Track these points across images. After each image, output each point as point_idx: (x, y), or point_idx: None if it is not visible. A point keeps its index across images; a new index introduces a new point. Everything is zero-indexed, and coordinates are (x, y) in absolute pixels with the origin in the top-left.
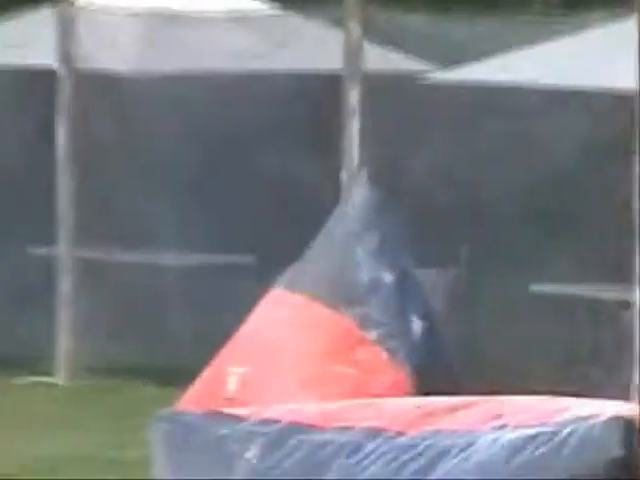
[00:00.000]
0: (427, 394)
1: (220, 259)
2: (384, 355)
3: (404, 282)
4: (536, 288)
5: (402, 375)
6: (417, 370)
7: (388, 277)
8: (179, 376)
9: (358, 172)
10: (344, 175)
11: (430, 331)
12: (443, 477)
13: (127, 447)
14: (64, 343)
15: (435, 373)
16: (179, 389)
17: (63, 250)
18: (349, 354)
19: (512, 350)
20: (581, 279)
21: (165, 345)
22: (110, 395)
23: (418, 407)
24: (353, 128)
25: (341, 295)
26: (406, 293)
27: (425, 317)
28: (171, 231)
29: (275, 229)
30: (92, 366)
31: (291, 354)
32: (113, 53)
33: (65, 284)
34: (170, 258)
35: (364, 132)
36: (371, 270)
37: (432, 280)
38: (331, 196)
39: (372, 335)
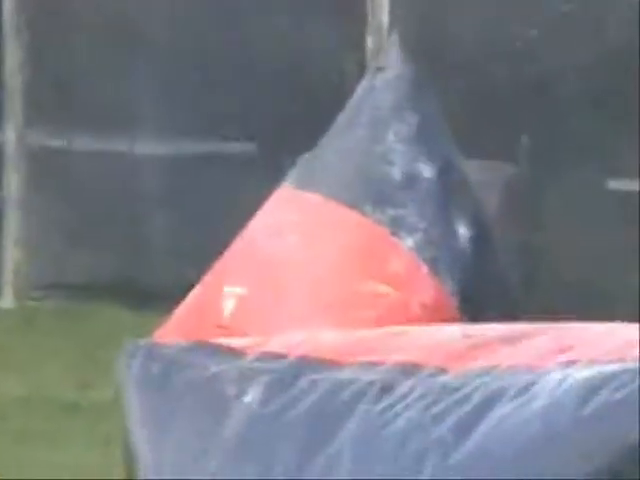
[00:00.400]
0: (476, 319)
1: (212, 147)
2: (423, 268)
3: (447, 177)
4: (614, 185)
5: (445, 293)
6: (464, 287)
7: (427, 170)
8: (159, 297)
9: (388, 37)
10: (369, 42)
11: (480, 239)
12: (496, 426)
13: (92, 387)
14: (11, 255)
15: (487, 292)
16: (159, 314)
17: (9, 136)
18: (378, 267)
19: (584, 264)
20: None
21: (141, 257)
22: (71, 321)
23: (465, 336)
24: None
25: (368, 193)
26: (450, 191)
27: (474, 222)
28: (148, 112)
29: (282, 110)
30: (47, 284)
31: (303, 269)
32: None
33: (12, 179)
34: (147, 146)
35: None
36: (406, 161)
37: (483, 176)
38: (353, 69)
39: (407, 243)
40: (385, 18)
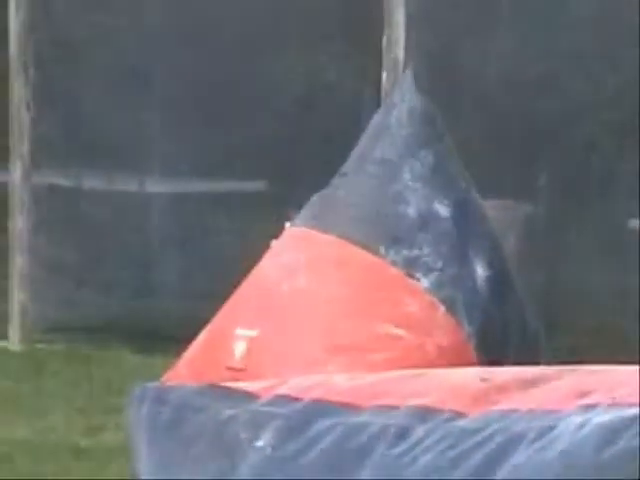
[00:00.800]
0: (495, 363)
1: (222, 186)
2: (439, 309)
3: (464, 216)
4: (635, 224)
5: (462, 335)
6: (482, 329)
7: (443, 209)
8: (169, 340)
9: (404, 72)
10: (385, 77)
11: (499, 279)
12: (515, 471)
13: (100, 432)
14: (18, 296)
15: (505, 334)
16: (168, 357)
17: (16, 176)
18: (394, 309)
19: (605, 305)
20: None
21: (151, 299)
22: (78, 364)
23: (483, 380)
24: (397, 15)
25: (383, 233)
26: (467, 230)
27: (492, 261)
28: (157, 150)
29: (295, 147)
30: (55, 326)
31: (316, 310)
32: None
33: (18, 220)
34: (157, 185)
35: (412, 20)
36: (421, 200)
37: (502, 215)
38: (368, 104)
39: (423, 283)
40: (401, 53)
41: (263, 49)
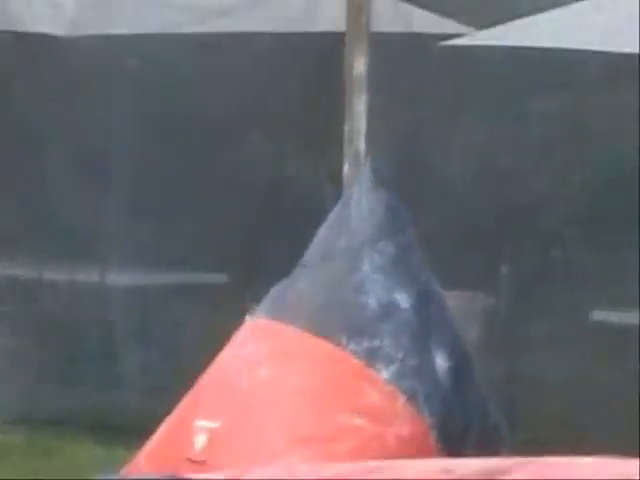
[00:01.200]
0: (455, 454)
1: (182, 278)
2: (400, 400)
3: (425, 307)
4: (599, 316)
5: (423, 425)
6: (443, 419)
7: (404, 300)
8: (130, 432)
9: (364, 164)
10: (347, 169)
11: (460, 370)
12: None
13: None
14: None
15: (466, 425)
16: (130, 449)
17: None
18: (355, 399)
19: (567, 396)
20: None
21: (111, 391)
22: (39, 457)
23: (444, 471)
24: (358, 106)
25: (344, 323)
26: (428, 321)
27: (453, 352)
28: (118, 242)
29: (255, 239)
30: (15, 419)
31: (277, 402)
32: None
33: None
34: (119, 276)
35: (373, 112)
36: (382, 291)
37: (462, 306)
38: (330, 198)
39: (384, 374)
40: (362, 145)
41: (225, 142)
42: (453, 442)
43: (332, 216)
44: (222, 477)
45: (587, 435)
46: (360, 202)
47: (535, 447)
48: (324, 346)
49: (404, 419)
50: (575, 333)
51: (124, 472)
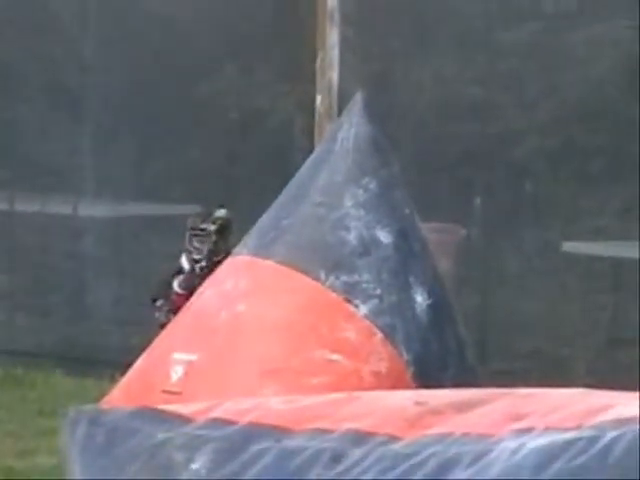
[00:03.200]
0: (430, 387)
1: (155, 210)
2: (377, 336)
3: (406, 244)
4: (570, 247)
5: (400, 362)
6: (420, 356)
7: (385, 236)
8: (102, 364)
9: (354, 96)
10: (319, 102)
11: (438, 309)
12: None
13: (32, 455)
14: None
15: (443, 361)
16: (101, 380)
17: None
18: (331, 334)
19: (539, 328)
20: (626, 235)
21: (85, 322)
22: (11, 388)
23: (418, 403)
24: (331, 38)
25: (323, 258)
26: (409, 258)
27: (432, 289)
28: (90, 173)
29: (229, 170)
30: None
31: (254, 336)
32: None
33: None
34: (90, 208)
35: (346, 43)
36: (362, 227)
37: (435, 238)
38: (302, 130)
39: (362, 310)
40: (335, 76)
41: (197, 73)
42: (430, 380)
43: (317, 150)
44: (193, 409)
45: (559, 367)
46: (345, 136)
47: (508, 379)
48: (302, 280)
49: (381, 355)
50: (546, 265)
51: (101, 404)
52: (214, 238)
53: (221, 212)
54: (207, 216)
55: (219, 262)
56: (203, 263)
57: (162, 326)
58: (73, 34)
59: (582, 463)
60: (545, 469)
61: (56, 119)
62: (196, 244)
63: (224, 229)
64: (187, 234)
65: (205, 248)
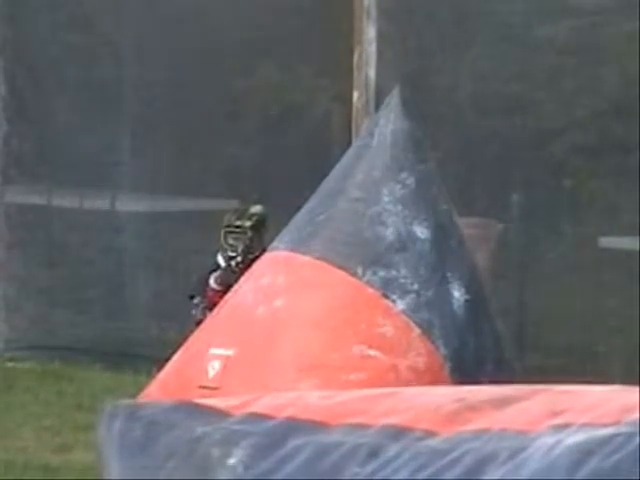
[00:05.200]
0: (467, 382)
1: (194, 205)
2: (415, 331)
3: (444, 239)
4: (607, 242)
5: (438, 357)
6: (458, 352)
7: (423, 231)
8: (139, 359)
9: (391, 92)
10: (356, 97)
11: (476, 303)
12: None
13: (70, 451)
14: None
15: (481, 356)
16: (139, 375)
17: None
18: (369, 329)
19: (577, 325)
20: None
21: (122, 318)
22: (50, 382)
23: (455, 400)
24: (368, 33)
25: (360, 254)
26: (445, 254)
27: (470, 285)
28: (129, 169)
29: (267, 169)
30: (26, 345)
31: (291, 331)
32: None
33: None
34: (128, 203)
35: (383, 39)
36: (400, 222)
37: (473, 233)
38: (339, 126)
39: (399, 305)
40: (372, 72)
41: (235, 70)
42: (467, 375)
43: (354, 145)
44: (230, 404)
45: (596, 363)
46: (383, 132)
47: (544, 375)
48: (340, 276)
49: (418, 351)
50: (583, 260)
51: (138, 399)
52: (249, 234)
53: (257, 208)
54: (242, 213)
55: (255, 258)
56: (239, 259)
57: (198, 323)
58: (111, 30)
59: (619, 459)
60: (581, 466)
61: (94, 115)
62: (231, 241)
63: (259, 225)
64: (222, 231)
65: (240, 245)
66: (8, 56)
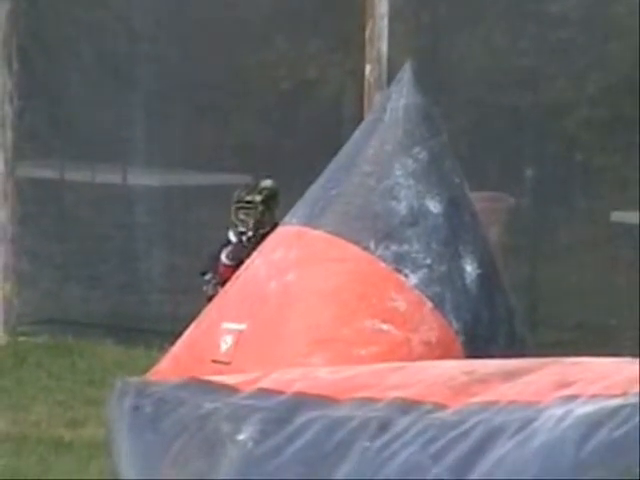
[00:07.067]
0: (480, 357)
1: (206, 179)
2: (427, 305)
3: (456, 213)
4: (618, 217)
5: (450, 332)
6: (470, 326)
7: (435, 206)
8: (151, 333)
9: (404, 65)
10: (368, 72)
11: (488, 278)
12: (496, 465)
13: (82, 425)
14: (3, 289)
15: (493, 330)
16: (150, 350)
17: None
18: (381, 304)
19: (587, 299)
20: None
21: (134, 292)
22: (61, 357)
23: (465, 373)
24: (380, 7)
25: (372, 228)
26: (458, 228)
27: (482, 260)
28: (140, 143)
29: (280, 143)
30: (38, 319)
31: (303, 306)
32: None
33: (1, 212)
34: (140, 177)
35: (395, 13)
36: (412, 196)
37: (485, 207)
38: (351, 100)
39: (412, 280)
40: (384, 46)
41: (247, 44)
42: (479, 350)
43: (366, 120)
44: (240, 379)
45: (607, 337)
46: (395, 106)
47: (556, 349)
48: (352, 250)
49: (430, 325)
50: (595, 234)
51: (148, 375)
52: (260, 209)
53: (267, 182)
54: (253, 188)
55: (266, 233)
56: (250, 234)
57: (210, 299)
58: (124, 5)
59: (626, 432)
60: (589, 438)
61: (107, 90)
62: (242, 216)
63: (270, 199)
64: (233, 207)
65: (251, 220)
66: (21, 31)
